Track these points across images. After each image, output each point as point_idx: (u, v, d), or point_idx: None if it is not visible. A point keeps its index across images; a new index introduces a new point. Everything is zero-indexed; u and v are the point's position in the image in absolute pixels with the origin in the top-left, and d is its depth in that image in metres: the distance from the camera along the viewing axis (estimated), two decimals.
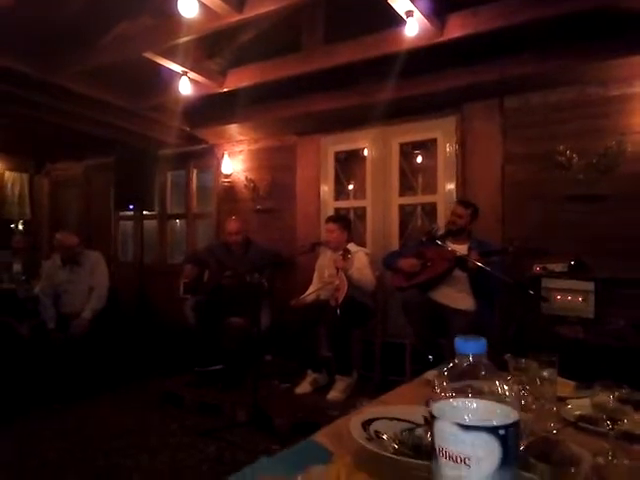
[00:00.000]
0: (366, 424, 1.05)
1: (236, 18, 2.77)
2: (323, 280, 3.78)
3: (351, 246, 3.65)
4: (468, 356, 0.53)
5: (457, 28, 2.93)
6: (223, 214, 5.14)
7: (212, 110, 4.55)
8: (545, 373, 1.13)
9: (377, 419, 1.08)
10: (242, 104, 4.26)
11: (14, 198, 6.38)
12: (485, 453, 0.49)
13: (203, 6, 2.65)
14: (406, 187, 4.28)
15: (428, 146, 4.19)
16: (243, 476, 0.93)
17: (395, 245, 4.17)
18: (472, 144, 3.89)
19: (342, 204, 4.61)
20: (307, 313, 3.56)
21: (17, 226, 6.22)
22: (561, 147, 3.45)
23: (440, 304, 3.16)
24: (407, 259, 3.28)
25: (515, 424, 0.49)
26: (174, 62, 3.47)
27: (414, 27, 2.76)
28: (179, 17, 2.77)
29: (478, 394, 0.51)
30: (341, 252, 3.49)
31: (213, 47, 3.63)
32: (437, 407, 0.53)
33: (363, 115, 4.07)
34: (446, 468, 0.51)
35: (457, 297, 3.18)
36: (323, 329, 3.55)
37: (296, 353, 3.77)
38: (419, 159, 4.36)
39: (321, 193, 4.62)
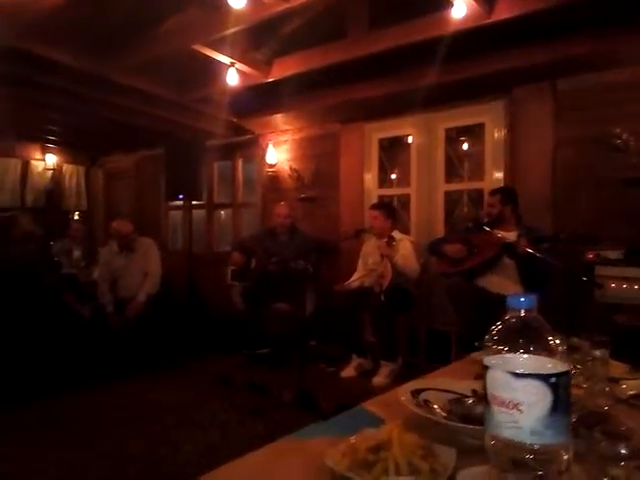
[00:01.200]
0: (415, 393, 1.09)
1: (283, 7, 2.83)
2: (367, 267, 3.82)
3: (395, 233, 3.67)
4: (520, 311, 0.57)
5: (506, 8, 2.86)
6: (268, 203, 5.26)
7: (258, 100, 4.65)
8: (597, 352, 1.13)
9: (426, 390, 1.12)
10: (287, 93, 4.33)
11: (72, 190, 6.77)
12: (536, 399, 0.52)
13: None
14: (452, 174, 4.24)
15: (475, 131, 4.13)
16: (298, 437, 1.00)
17: (440, 232, 4.14)
18: (522, 128, 3.79)
19: (386, 192, 4.62)
20: (351, 299, 3.61)
21: (74, 216, 6.58)
22: (617, 130, 3.32)
23: (487, 291, 3.13)
24: (453, 245, 3.27)
25: (565, 373, 0.52)
26: (222, 53, 3.56)
27: (462, 9, 2.72)
28: (227, 8, 2.86)
29: (529, 348, 0.55)
30: (385, 239, 3.52)
31: (259, 37, 3.69)
32: (489, 359, 0.56)
33: (408, 101, 4.05)
34: (499, 414, 0.54)
35: (504, 284, 3.14)
36: (367, 315, 3.60)
37: (341, 338, 3.84)
38: (465, 145, 4.30)
39: (365, 181, 4.64)
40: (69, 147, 6.53)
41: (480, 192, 4.02)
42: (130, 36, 3.51)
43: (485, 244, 3.12)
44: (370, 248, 3.87)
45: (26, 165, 6.24)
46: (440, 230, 4.18)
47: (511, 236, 3.09)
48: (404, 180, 4.51)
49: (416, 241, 3.80)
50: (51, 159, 6.42)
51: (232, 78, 3.73)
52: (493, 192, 3.32)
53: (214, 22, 3.19)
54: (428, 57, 3.42)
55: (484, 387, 0.57)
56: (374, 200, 4.42)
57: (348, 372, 3.56)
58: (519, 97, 3.78)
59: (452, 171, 4.24)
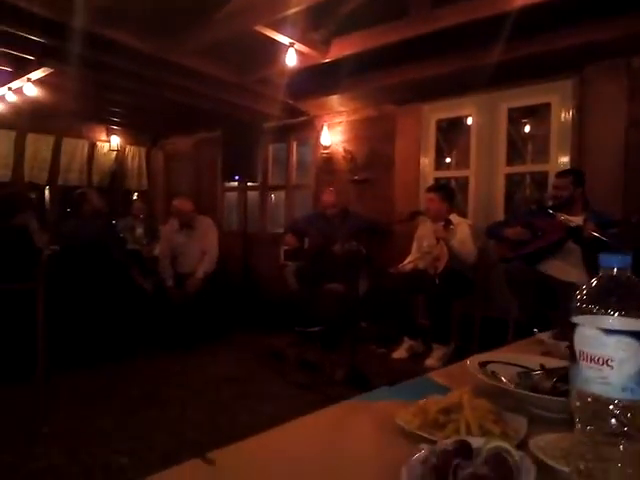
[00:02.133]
0: (482, 365, 1.09)
1: None
2: (422, 250, 3.79)
3: (453, 217, 3.61)
4: (612, 269, 0.56)
5: None
6: (321, 185, 5.29)
7: (314, 82, 4.65)
8: None
9: (493, 362, 1.12)
10: (343, 74, 4.30)
11: (134, 171, 7.07)
12: (628, 355, 0.52)
13: None
14: (514, 156, 4.10)
15: (540, 111, 3.97)
16: (366, 399, 1.04)
17: (500, 216, 4.03)
18: (591, 108, 3.61)
19: (443, 174, 4.55)
20: (405, 282, 3.61)
21: (135, 196, 6.89)
22: None
23: (549, 276, 3.03)
24: (515, 228, 3.17)
25: None
26: (282, 34, 3.59)
27: None
28: None
29: (621, 307, 0.54)
30: (442, 222, 3.47)
31: (318, 18, 3.69)
32: (578, 317, 0.56)
33: (468, 80, 3.94)
34: (587, 370, 0.55)
35: (569, 270, 3.03)
36: (421, 298, 3.58)
37: (392, 320, 3.85)
38: (529, 126, 4.14)
39: (421, 163, 4.58)
40: (132, 129, 6.81)
41: (544, 175, 3.87)
42: (194, 19, 3.60)
43: (549, 228, 3.02)
44: (425, 231, 3.83)
45: (93, 146, 6.57)
46: (500, 214, 4.07)
47: (577, 220, 2.97)
48: (462, 162, 4.41)
49: (474, 225, 3.73)
50: (115, 140, 6.72)
51: (291, 59, 3.76)
52: (562, 174, 3.18)
53: (276, 2, 3.22)
54: (492, 33, 3.29)
55: (571, 344, 0.57)
56: (430, 183, 4.36)
57: (400, 353, 3.58)
58: (590, 75, 3.59)
59: (514, 153, 4.11)
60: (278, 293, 4.63)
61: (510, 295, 3.12)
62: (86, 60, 3.84)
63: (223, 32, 3.64)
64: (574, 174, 3.15)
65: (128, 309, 3.85)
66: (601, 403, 0.54)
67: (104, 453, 2.27)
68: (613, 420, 0.53)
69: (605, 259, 0.56)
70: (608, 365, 0.53)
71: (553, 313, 2.94)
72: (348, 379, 3.24)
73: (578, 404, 0.56)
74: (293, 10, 3.19)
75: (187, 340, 3.92)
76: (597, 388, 0.54)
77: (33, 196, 5.91)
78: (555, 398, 0.88)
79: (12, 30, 3.43)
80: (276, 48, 3.86)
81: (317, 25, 3.85)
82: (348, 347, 3.32)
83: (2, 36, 3.51)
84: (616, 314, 0.54)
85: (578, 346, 0.56)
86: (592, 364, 0.54)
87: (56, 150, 6.13)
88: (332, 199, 4.26)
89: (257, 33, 3.55)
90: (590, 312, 0.55)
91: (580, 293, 0.57)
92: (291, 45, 3.72)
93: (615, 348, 0.53)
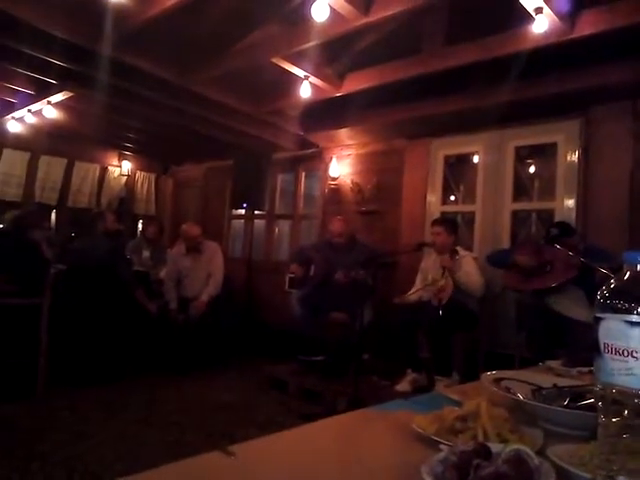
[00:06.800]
0: (496, 381, 1.09)
1: (362, 21, 2.94)
2: (426, 282, 3.79)
3: (458, 250, 3.63)
4: (636, 265, 0.59)
5: (590, 24, 2.83)
6: (328, 215, 5.34)
7: (325, 115, 4.80)
8: None
9: (506, 379, 1.12)
10: (354, 108, 4.43)
11: (142, 195, 7.17)
12: None
13: (331, 10, 2.84)
14: (520, 192, 4.16)
15: (547, 150, 4.05)
16: (382, 409, 1.04)
17: None
18: (597, 149, 3.69)
19: (449, 208, 4.61)
20: (409, 312, 3.59)
21: (145, 220, 6.93)
22: None
23: (558, 313, 3.01)
24: (524, 254, 3.16)
25: None
26: (298, 67, 3.72)
27: (543, 24, 2.72)
28: (306, 23, 3.02)
29: None
30: (448, 253, 3.50)
31: (333, 52, 3.83)
32: (602, 312, 0.58)
33: (477, 118, 4.05)
34: (612, 361, 0.56)
35: (575, 308, 3.01)
36: (424, 329, 3.56)
37: (395, 352, 3.82)
38: (536, 164, 4.23)
39: (428, 197, 4.65)
40: (144, 155, 6.95)
41: (550, 212, 3.92)
42: (214, 49, 3.74)
43: (559, 261, 3.01)
44: (430, 263, 3.85)
45: (104, 170, 6.69)
46: None
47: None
48: (469, 197, 4.48)
49: (480, 259, 3.74)
50: (126, 166, 6.85)
51: (305, 91, 3.88)
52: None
53: (293, 36, 3.36)
54: (502, 73, 3.41)
55: (596, 337, 0.59)
56: (436, 216, 4.40)
57: (403, 386, 3.52)
58: (596, 116, 3.69)
59: (520, 190, 4.17)
60: (281, 321, 4.62)
61: (518, 328, 3.11)
62: (106, 85, 3.96)
63: (240, 63, 3.77)
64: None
65: (131, 330, 3.84)
66: (626, 394, 0.55)
67: (99, 472, 2.23)
68: (637, 411, 0.54)
69: (630, 255, 0.59)
70: (633, 356, 0.55)
71: (562, 352, 2.91)
72: (351, 410, 3.18)
73: (602, 396, 0.57)
74: (310, 44, 3.32)
75: (188, 364, 3.89)
76: (622, 380, 0.55)
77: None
78: (573, 411, 0.88)
79: (36, 54, 3.56)
80: (291, 80, 3.99)
81: (332, 59, 3.99)
82: (351, 378, 3.28)
83: (26, 59, 3.64)
84: (639, 309, 0.56)
85: (603, 339, 0.58)
86: (617, 356, 0.56)
87: (68, 172, 6.24)
88: (340, 227, 4.30)
89: (273, 65, 3.68)
90: (615, 306, 0.57)
91: (605, 287, 0.59)
92: (306, 78, 3.84)
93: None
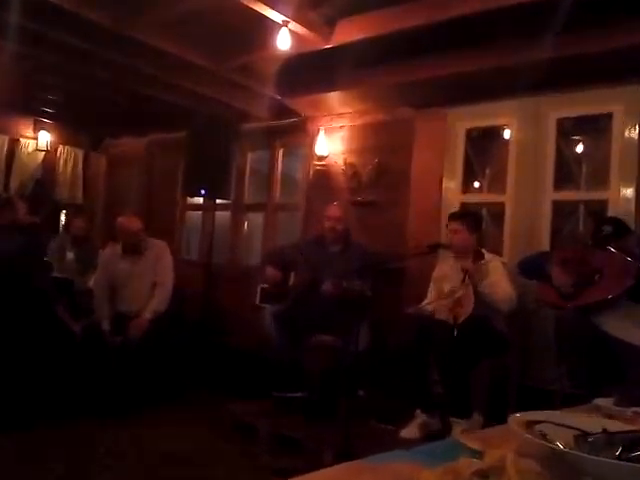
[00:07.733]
0: (529, 425, 1.10)
1: None
2: (442, 294, 3.81)
3: (483, 252, 3.65)
4: None
5: None
6: (313, 206, 5.33)
7: (310, 74, 4.77)
8: None
9: (541, 422, 1.13)
10: (348, 66, 4.42)
11: (66, 178, 7.07)
12: None
13: None
14: (564, 179, 4.21)
15: (599, 124, 4.10)
16: (375, 460, 1.03)
17: None
18: None
19: (472, 198, 4.65)
20: (418, 334, 3.61)
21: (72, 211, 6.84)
22: None
23: (611, 335, 3.04)
24: (564, 263, 3.19)
25: None
26: (273, 9, 3.70)
27: None
28: None
29: None
30: (470, 257, 3.52)
31: None
32: None
33: (507, 81, 4.06)
34: None
35: (638, 330, 3.05)
36: (436, 357, 3.58)
37: (400, 387, 3.83)
38: (585, 142, 4.28)
39: (444, 183, 4.67)
40: (68, 124, 6.88)
41: (604, 204, 3.96)
42: None
43: (612, 268, 3.03)
44: (447, 269, 3.87)
45: (13, 143, 6.59)
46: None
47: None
48: (497, 184, 4.51)
49: (510, 265, 3.77)
50: (44, 138, 6.76)
51: (283, 41, 3.86)
52: None
53: None
54: (539, 23, 3.43)
55: None
56: (455, 209, 4.42)
57: (410, 432, 3.53)
58: None
59: (564, 176, 4.21)
60: (250, 344, 4.60)
61: (558, 355, 3.14)
62: (14, 28, 3.88)
63: (196, 2, 3.74)
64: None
65: (48, 358, 3.79)
66: None
67: None
68: None
69: None
70: None
71: (614, 386, 2.95)
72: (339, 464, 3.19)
73: None
74: None
75: (125, 402, 3.85)
76: None
77: None
78: (627, 464, 0.88)
79: None
80: (265, 27, 3.96)
81: (319, 3, 3.97)
82: (341, 421, 3.28)
83: None
84: None
85: None
86: None
87: None
88: (338, 214, 4.31)
89: (241, 6, 3.65)
90: None
91: None
92: (284, 24, 3.82)
93: None
